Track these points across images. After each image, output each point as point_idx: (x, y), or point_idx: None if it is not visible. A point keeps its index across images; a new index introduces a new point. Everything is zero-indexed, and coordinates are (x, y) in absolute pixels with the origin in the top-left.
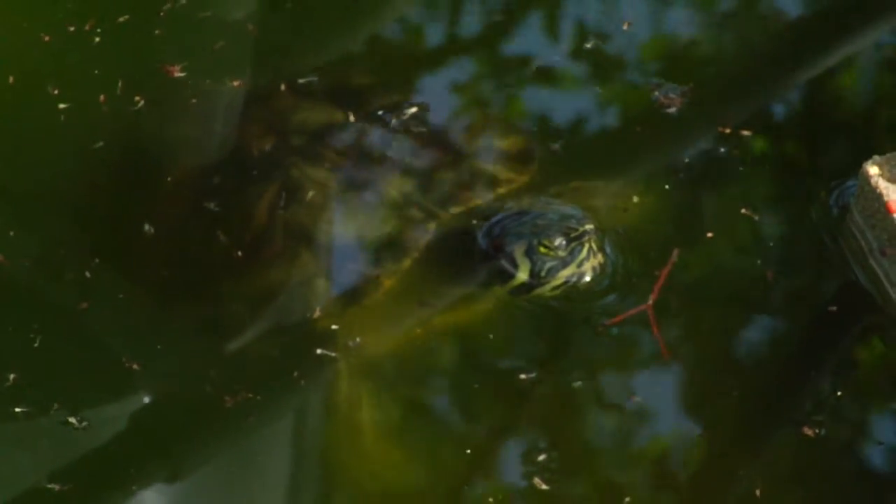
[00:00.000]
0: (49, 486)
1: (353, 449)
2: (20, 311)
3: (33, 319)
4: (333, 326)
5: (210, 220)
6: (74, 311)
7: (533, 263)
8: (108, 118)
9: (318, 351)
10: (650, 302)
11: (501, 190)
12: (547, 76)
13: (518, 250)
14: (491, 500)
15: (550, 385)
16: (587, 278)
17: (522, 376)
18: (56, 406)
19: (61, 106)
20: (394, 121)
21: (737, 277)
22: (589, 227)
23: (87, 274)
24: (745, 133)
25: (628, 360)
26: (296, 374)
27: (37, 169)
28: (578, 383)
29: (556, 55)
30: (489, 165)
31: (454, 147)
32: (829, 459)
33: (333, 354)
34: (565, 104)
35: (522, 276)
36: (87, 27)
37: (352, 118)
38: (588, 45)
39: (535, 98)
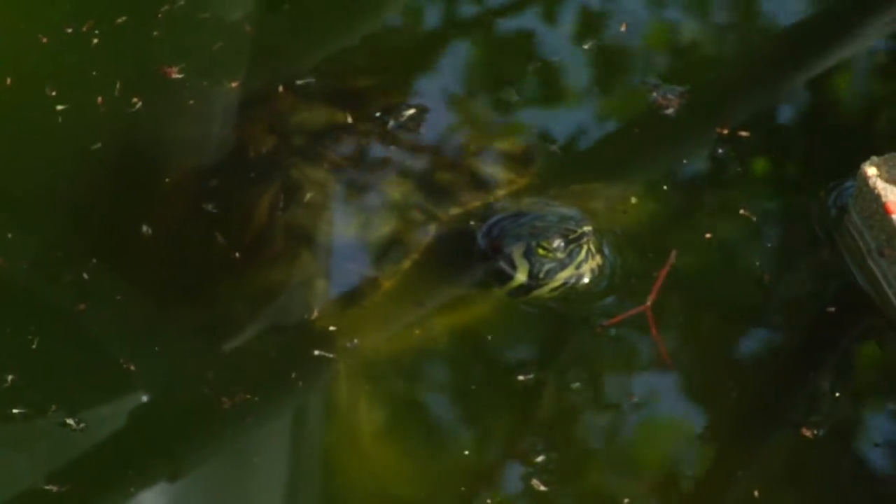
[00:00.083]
0: (47, 487)
1: (351, 450)
2: (18, 312)
3: (31, 321)
4: (332, 327)
5: (208, 222)
6: (72, 312)
7: (531, 265)
8: (105, 119)
9: (317, 352)
10: (649, 303)
11: (501, 191)
12: (546, 77)
13: (516, 252)
14: (489, 501)
15: (549, 386)
16: (586, 280)
17: (521, 377)
18: (54, 407)
19: (59, 107)
20: (392, 122)
21: (735, 279)
22: (587, 228)
23: (85, 275)
24: (744, 134)
25: (627, 362)
26: (294, 375)
27: (35, 170)
28: (577, 384)
29: (555, 56)
30: (489, 167)
31: (453, 148)
32: (827, 460)
33: (332, 355)
34: (564, 106)
35: (521, 277)
36: (84, 28)
37: (351, 120)
38: (586, 47)
39: (535, 98)
